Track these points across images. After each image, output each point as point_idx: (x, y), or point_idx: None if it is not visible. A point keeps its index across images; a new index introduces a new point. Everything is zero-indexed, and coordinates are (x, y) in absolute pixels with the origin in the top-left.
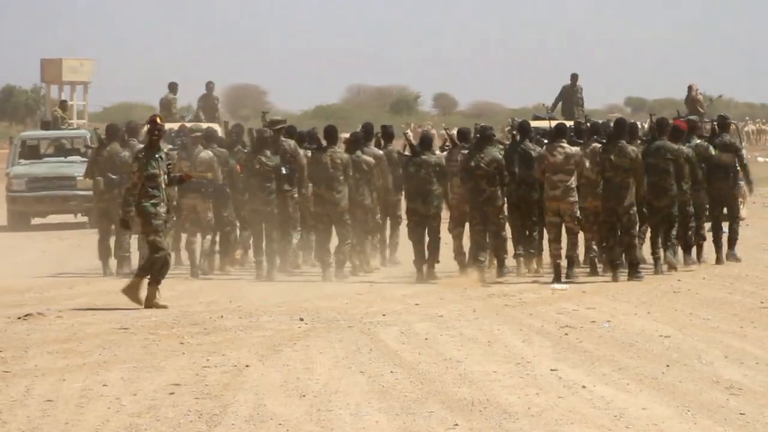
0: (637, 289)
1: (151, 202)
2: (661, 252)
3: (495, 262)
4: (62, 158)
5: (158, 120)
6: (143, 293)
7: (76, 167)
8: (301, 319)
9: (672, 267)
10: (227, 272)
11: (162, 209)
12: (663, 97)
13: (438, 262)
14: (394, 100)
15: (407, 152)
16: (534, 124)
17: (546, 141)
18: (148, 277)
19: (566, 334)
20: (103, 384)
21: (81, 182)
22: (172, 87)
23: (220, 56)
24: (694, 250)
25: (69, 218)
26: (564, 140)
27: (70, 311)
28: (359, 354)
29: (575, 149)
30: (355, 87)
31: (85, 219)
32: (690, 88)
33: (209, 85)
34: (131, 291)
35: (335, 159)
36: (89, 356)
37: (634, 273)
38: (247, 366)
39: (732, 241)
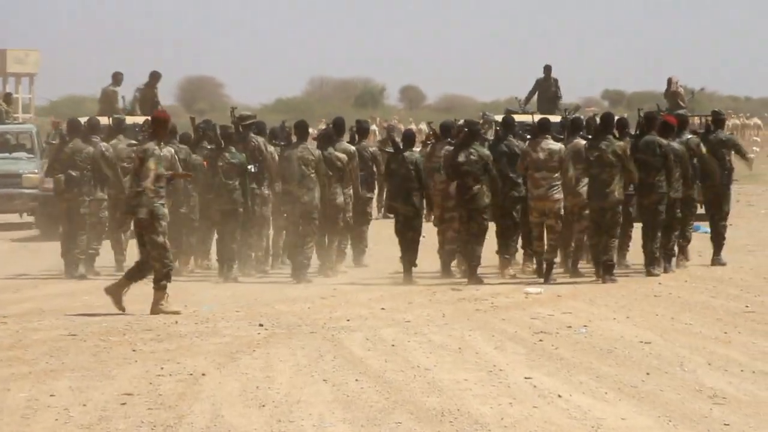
0: (615, 293)
1: (161, 202)
2: (656, 248)
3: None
4: (7, 154)
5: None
6: (125, 298)
7: (21, 164)
8: (261, 325)
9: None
10: (187, 272)
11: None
12: (642, 90)
13: (416, 266)
14: (359, 93)
15: (389, 149)
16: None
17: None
18: (153, 282)
19: (541, 340)
20: (50, 394)
21: (27, 180)
22: (116, 78)
23: (173, 46)
24: (674, 260)
25: (14, 218)
26: (548, 136)
27: (14, 316)
28: (322, 361)
29: (559, 145)
30: (318, 79)
31: (31, 219)
32: (669, 81)
33: (153, 75)
34: (116, 292)
35: (306, 155)
36: (35, 364)
37: (608, 274)
38: (203, 374)
39: (718, 242)
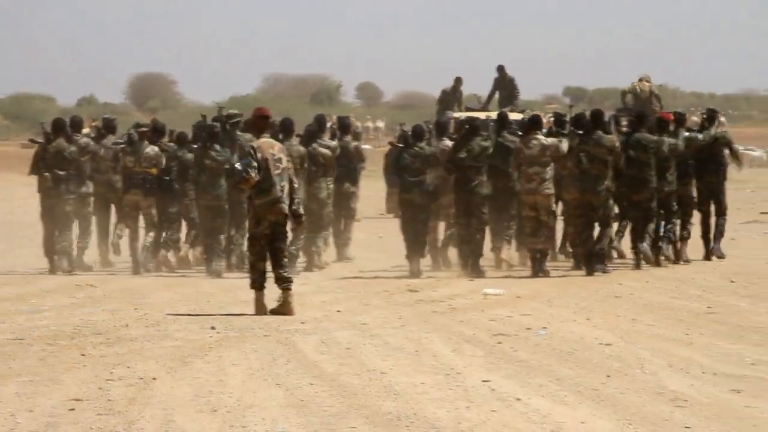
0: (575, 294)
1: None
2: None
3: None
4: None
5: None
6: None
7: None
8: (213, 328)
9: (648, 260)
10: (171, 269)
11: None
12: (604, 87)
13: (423, 256)
14: (315, 91)
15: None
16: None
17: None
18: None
19: (499, 342)
20: None
21: None
22: None
23: (124, 43)
24: (670, 247)
25: None
26: (539, 132)
27: None
28: (275, 365)
29: (550, 140)
30: (273, 76)
31: None
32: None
33: None
34: (284, 308)
35: (291, 152)
36: None
37: (600, 264)
38: (154, 379)
39: (718, 236)
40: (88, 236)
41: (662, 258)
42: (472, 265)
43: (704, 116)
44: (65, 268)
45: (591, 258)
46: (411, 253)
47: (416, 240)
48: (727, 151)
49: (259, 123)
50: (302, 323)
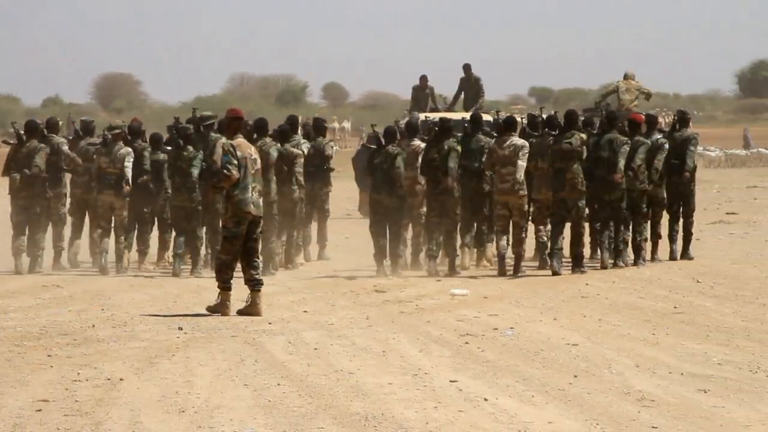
0: (542, 294)
1: None
2: (620, 242)
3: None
4: None
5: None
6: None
7: None
8: (180, 328)
9: (605, 267)
10: (145, 270)
11: None
12: (569, 87)
13: (401, 256)
14: (280, 91)
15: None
16: (433, 116)
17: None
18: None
19: (467, 342)
20: None
21: None
22: None
23: (89, 42)
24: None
25: None
26: (513, 133)
27: None
28: (243, 366)
29: (522, 141)
30: (238, 76)
31: None
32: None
33: None
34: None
35: (266, 151)
36: None
37: (578, 266)
38: (121, 379)
39: (687, 238)
40: (63, 238)
41: (621, 264)
42: (449, 265)
43: (675, 118)
44: (29, 270)
45: (554, 256)
46: (378, 255)
47: (384, 241)
48: (692, 148)
49: (233, 124)
50: (270, 324)
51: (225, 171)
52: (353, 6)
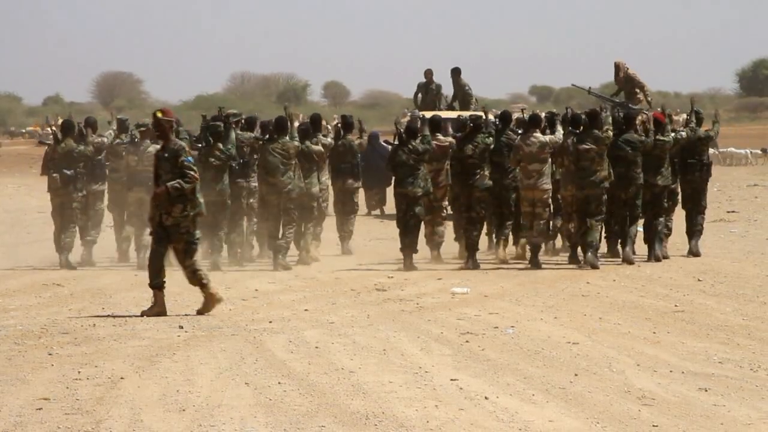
0: (543, 293)
1: None
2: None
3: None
4: None
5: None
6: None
7: None
8: (181, 327)
9: (630, 262)
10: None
11: None
12: (570, 86)
13: (416, 251)
14: (281, 90)
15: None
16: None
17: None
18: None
19: (467, 341)
20: None
21: None
22: None
23: (90, 41)
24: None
25: None
26: (537, 130)
27: None
28: (244, 364)
29: (548, 137)
30: (239, 75)
31: None
32: (617, 66)
33: None
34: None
35: (286, 148)
36: None
37: (593, 256)
38: (121, 378)
39: (697, 234)
40: (97, 233)
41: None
42: (469, 257)
43: (688, 117)
44: (71, 264)
45: (588, 250)
46: (405, 248)
47: (409, 234)
48: (712, 150)
49: (172, 125)
50: (270, 322)
51: (194, 173)
52: (354, 5)
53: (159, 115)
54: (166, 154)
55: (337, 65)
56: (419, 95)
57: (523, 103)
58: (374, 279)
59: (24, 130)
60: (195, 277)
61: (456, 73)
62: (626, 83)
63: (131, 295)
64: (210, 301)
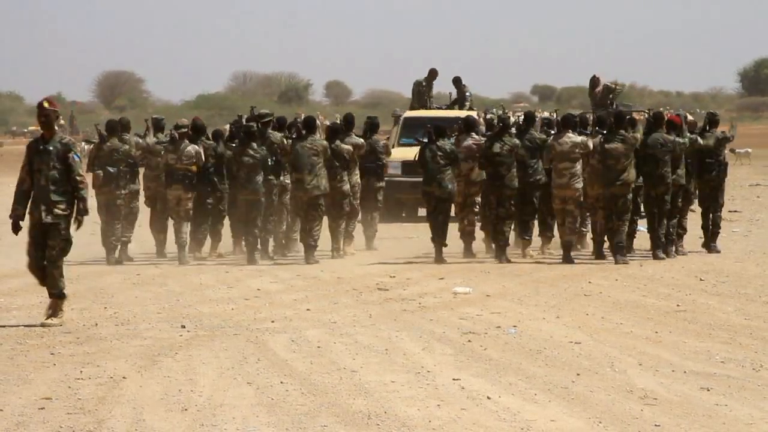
0: (545, 293)
1: None
2: (661, 234)
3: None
4: None
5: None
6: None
7: None
8: (183, 326)
9: (669, 256)
10: (214, 259)
11: None
12: (572, 85)
13: (446, 245)
14: (283, 89)
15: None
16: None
17: (553, 132)
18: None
19: (469, 340)
20: None
21: None
22: None
23: (92, 40)
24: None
25: None
26: (570, 130)
27: None
28: (246, 364)
29: (581, 138)
30: (241, 74)
31: None
32: (595, 80)
33: None
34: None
35: (315, 146)
36: None
37: (620, 254)
38: (124, 378)
39: (715, 232)
40: (132, 230)
41: (673, 255)
42: (498, 252)
43: (707, 120)
44: (116, 258)
45: (618, 251)
46: (436, 242)
47: (439, 229)
48: (727, 151)
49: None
50: (272, 322)
51: (82, 177)
52: (356, 4)
53: (46, 105)
54: (50, 147)
55: (338, 64)
56: (422, 89)
57: (525, 102)
58: (376, 278)
59: (26, 130)
60: (59, 283)
61: (458, 81)
62: (603, 95)
63: (134, 294)
64: (55, 310)
